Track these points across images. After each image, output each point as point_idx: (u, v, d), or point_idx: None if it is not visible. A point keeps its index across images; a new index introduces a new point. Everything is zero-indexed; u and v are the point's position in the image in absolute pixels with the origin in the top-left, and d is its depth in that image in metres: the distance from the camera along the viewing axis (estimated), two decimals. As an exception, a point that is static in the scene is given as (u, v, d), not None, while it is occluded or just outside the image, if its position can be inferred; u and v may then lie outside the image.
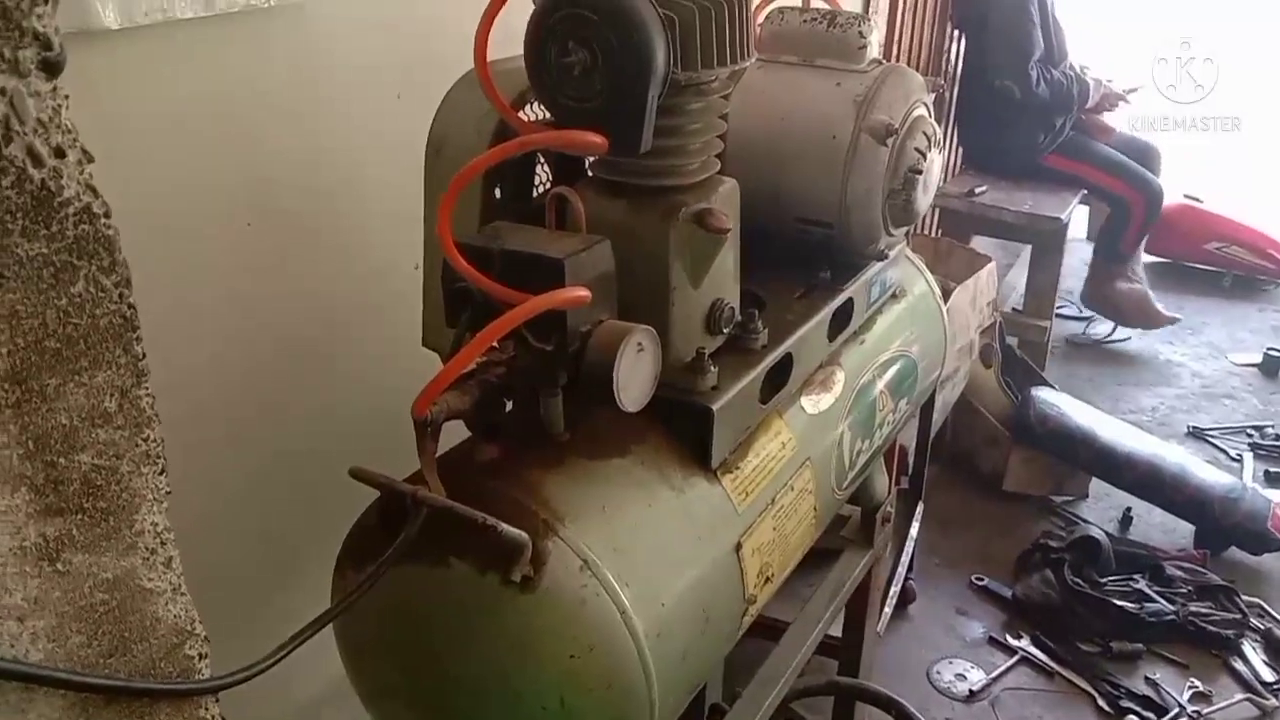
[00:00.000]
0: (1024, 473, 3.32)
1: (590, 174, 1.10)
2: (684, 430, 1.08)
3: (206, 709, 0.66)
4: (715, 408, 1.06)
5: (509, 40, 0.97)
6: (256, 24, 1.18)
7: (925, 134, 1.29)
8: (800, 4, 1.43)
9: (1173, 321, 4.15)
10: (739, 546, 1.08)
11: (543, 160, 1.20)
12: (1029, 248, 3.89)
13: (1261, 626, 2.82)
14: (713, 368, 1.08)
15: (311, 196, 1.32)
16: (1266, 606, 2.90)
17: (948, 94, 4.12)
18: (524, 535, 0.88)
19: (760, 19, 1.37)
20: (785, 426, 1.22)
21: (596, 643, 0.91)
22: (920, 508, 2.82)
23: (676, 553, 1.01)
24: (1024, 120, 3.70)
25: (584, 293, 0.87)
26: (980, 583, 2.99)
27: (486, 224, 1.07)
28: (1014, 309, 4.03)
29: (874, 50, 1.30)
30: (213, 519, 1.25)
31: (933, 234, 3.94)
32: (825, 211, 1.28)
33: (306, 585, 1.10)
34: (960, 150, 4.23)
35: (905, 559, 2.74)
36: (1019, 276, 4.07)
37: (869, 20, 1.27)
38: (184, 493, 0.62)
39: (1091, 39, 5.57)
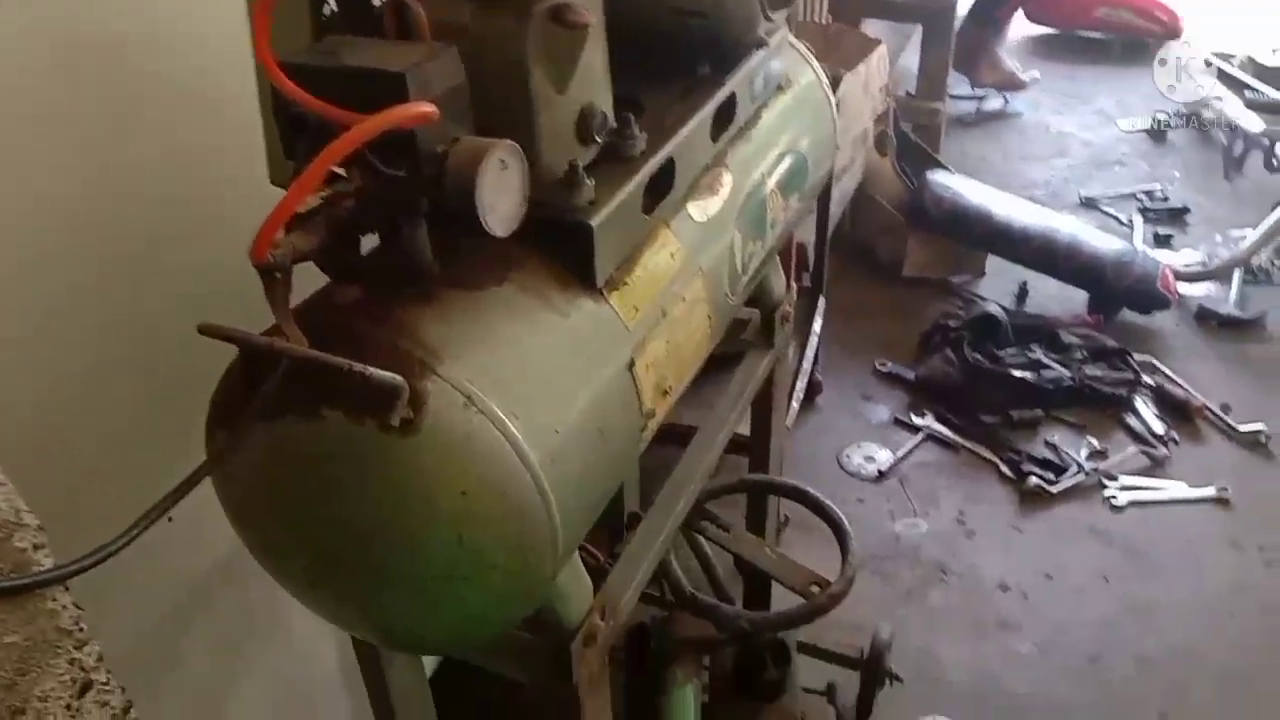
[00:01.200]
0: (922, 257, 3.36)
1: (432, -26, 0.98)
2: (564, 250, 1.01)
3: (55, 600, 0.61)
4: (594, 223, 1.00)
5: None
6: None
7: (798, -97, 1.19)
8: None
9: (1022, 85, 4.18)
10: (632, 364, 1.05)
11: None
12: (919, 28, 3.80)
13: (1153, 383, 2.96)
14: (588, 181, 1.01)
15: (137, 38, 1.18)
16: (1157, 363, 3.03)
17: None
18: (397, 378, 0.82)
19: None
20: (672, 236, 1.17)
21: (487, 476, 0.87)
22: (822, 302, 2.84)
23: (566, 377, 0.97)
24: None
25: (429, 108, 0.79)
26: (884, 368, 3.06)
27: (321, 37, 0.97)
28: (907, 92, 3.97)
29: None
30: (65, 390, 1.17)
31: (821, 19, 3.80)
32: (697, -1, 1.19)
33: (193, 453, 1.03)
34: (846, -74, 4.04)
35: (810, 354, 2.78)
36: (911, 59, 3.99)
37: None
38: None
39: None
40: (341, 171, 0.88)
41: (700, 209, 1.23)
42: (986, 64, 4.09)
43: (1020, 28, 4.56)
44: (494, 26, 0.94)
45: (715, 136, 1.27)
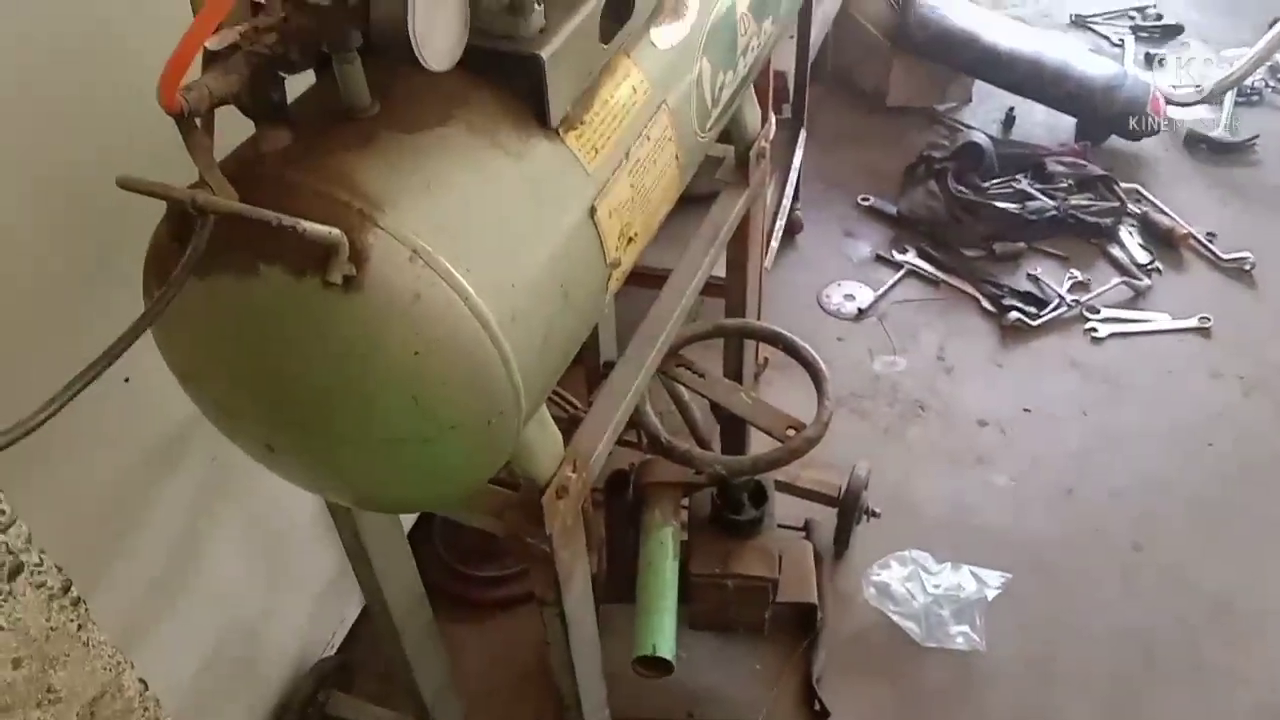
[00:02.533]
0: (908, 83, 3.24)
1: None
2: (514, 86, 0.93)
3: (-29, 484, 0.56)
4: (545, 54, 0.91)
5: None
6: None
7: None
8: None
9: None
10: (593, 210, 0.98)
11: None
12: None
13: (1138, 210, 2.90)
14: (538, 6, 0.92)
15: None
16: (1143, 191, 2.97)
17: None
18: (334, 231, 0.76)
19: None
20: (634, 67, 1.08)
21: (440, 336, 0.82)
22: (803, 135, 2.74)
23: (521, 226, 0.91)
24: None
25: (348, -75, 0.70)
26: (866, 203, 2.99)
27: None
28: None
29: None
30: None
31: None
32: None
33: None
34: None
35: (790, 189, 2.70)
36: None
37: None
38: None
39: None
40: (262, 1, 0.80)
41: (664, 35, 1.14)
42: None
43: None
44: None
45: (680, -46, 1.16)
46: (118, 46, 1.16)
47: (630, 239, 1.07)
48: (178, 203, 0.74)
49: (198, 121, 0.74)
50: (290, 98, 0.87)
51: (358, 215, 0.80)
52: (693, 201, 1.40)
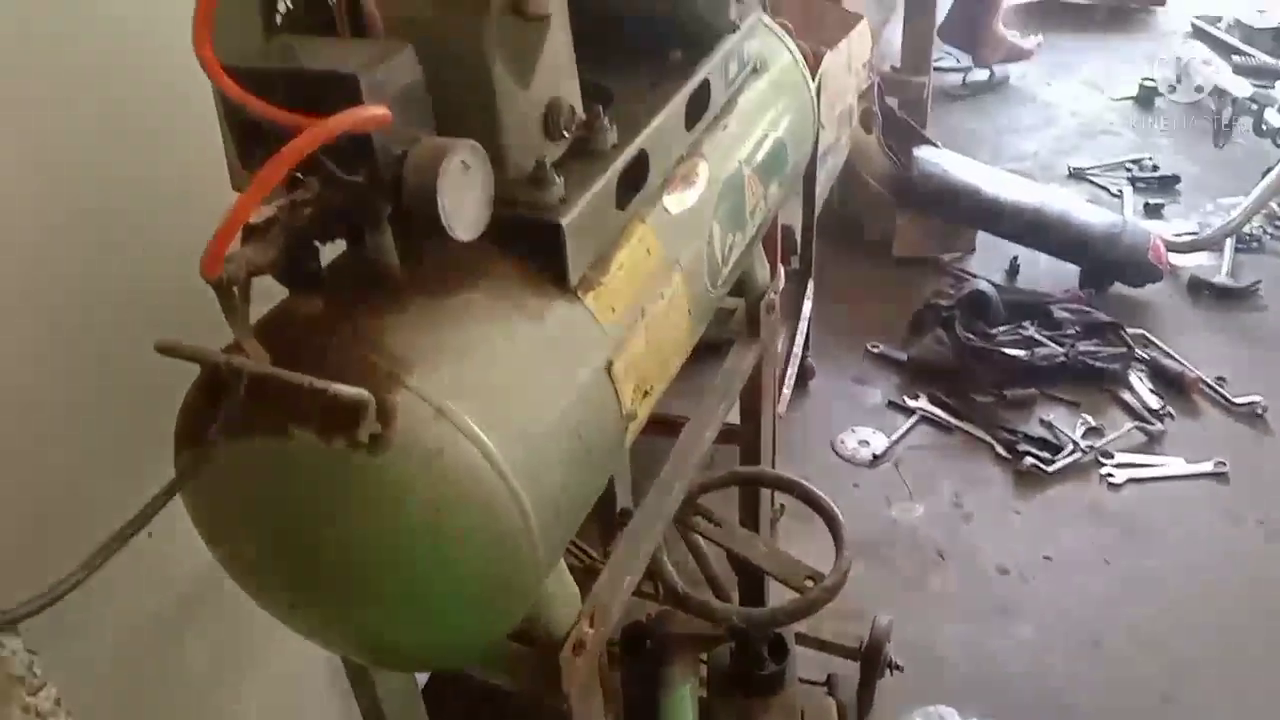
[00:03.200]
0: (912, 235, 3.33)
1: (386, -32, 0.95)
2: (535, 251, 0.98)
3: (4, 645, 0.57)
4: (565, 222, 0.96)
5: None
6: None
7: (767, -118, 1.15)
8: None
9: (1028, 54, 4.13)
10: (610, 366, 1.01)
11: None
12: (901, 2, 3.76)
13: (1146, 356, 2.93)
14: (557, 178, 0.97)
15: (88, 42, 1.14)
16: (1150, 336, 3.01)
17: None
18: (362, 393, 0.79)
19: None
20: (648, 231, 1.13)
21: (461, 492, 0.84)
22: (811, 285, 2.81)
23: (541, 385, 0.94)
24: None
25: (382, 112, 0.76)
26: (876, 350, 3.03)
27: (273, 38, 0.93)
28: (892, 67, 3.93)
29: None
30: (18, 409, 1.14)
31: (803, -3, 3.76)
32: (666, -20, 1.15)
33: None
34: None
35: (800, 338, 2.75)
36: (895, 32, 3.95)
37: None
38: None
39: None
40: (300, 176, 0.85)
41: (676, 201, 1.19)
42: (989, 42, 4.04)
43: (1004, -2, 4.51)
44: (452, 20, 0.90)
45: (690, 125, 1.23)
46: (143, 209, 1.23)
47: (646, 392, 1.09)
48: (214, 367, 0.78)
49: (235, 290, 0.78)
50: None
51: (385, 376, 0.83)
52: (706, 348, 1.44)
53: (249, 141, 0.84)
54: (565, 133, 1.01)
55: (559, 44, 0.99)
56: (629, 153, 1.08)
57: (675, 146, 1.21)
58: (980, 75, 4.19)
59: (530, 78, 0.95)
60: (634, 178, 1.10)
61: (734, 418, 1.72)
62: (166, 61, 1.17)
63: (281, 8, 0.98)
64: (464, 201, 0.84)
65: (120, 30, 1.21)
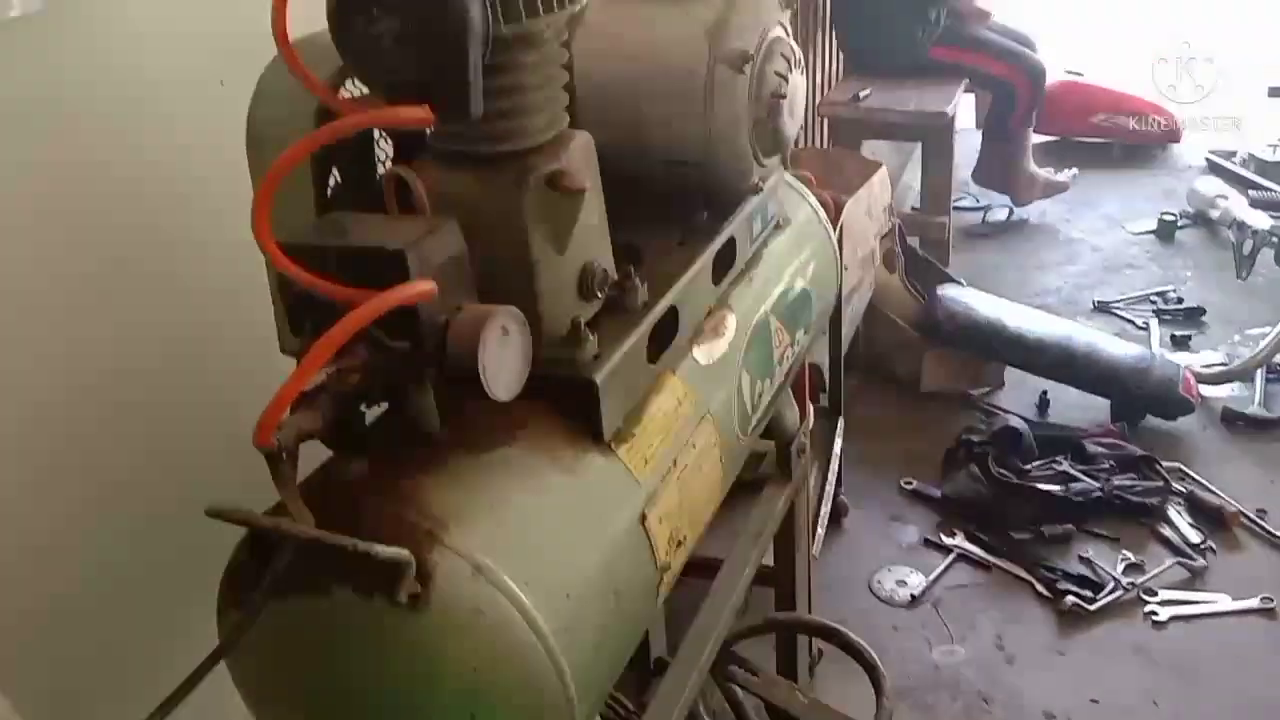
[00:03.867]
0: (940, 371, 3.35)
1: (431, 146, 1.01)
2: (570, 406, 1.02)
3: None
4: (599, 379, 1.00)
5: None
6: (38, 30, 1.06)
7: (784, 56, 1.23)
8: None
9: (1064, 187, 4.22)
10: (644, 518, 1.03)
11: (382, 135, 1.11)
12: (919, 145, 3.88)
13: (1184, 490, 2.89)
14: (591, 336, 1.02)
15: (137, 210, 1.21)
16: (1186, 469, 2.97)
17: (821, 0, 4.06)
18: (403, 553, 0.81)
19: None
20: (679, 382, 1.17)
21: (500, 651, 0.85)
22: (841, 423, 2.82)
23: (577, 539, 0.96)
24: (900, 17, 3.67)
25: (428, 286, 0.80)
26: (909, 486, 3.02)
27: (324, 214, 0.99)
28: (913, 208, 4.03)
29: (721, -28, 1.22)
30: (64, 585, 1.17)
31: (823, 144, 3.90)
32: (692, 150, 1.22)
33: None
34: (840, 55, 4.18)
35: (832, 476, 2.74)
36: (915, 174, 4.06)
37: (711, -58, 1.19)
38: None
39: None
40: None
41: (705, 353, 1.23)
42: (1024, 182, 4.13)
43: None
44: (493, 195, 0.96)
45: (717, 280, 1.28)
46: (192, 369, 1.28)
47: (679, 543, 1.11)
48: (263, 531, 0.81)
49: (284, 455, 0.81)
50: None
51: (425, 534, 0.86)
52: (738, 485, 1.45)
53: (300, 311, 0.89)
54: (599, 293, 1.06)
55: (593, 212, 1.04)
56: (659, 309, 1.13)
57: (703, 300, 1.25)
58: (1000, 214, 4.28)
59: (566, 245, 1.01)
60: (665, 332, 1.14)
61: (768, 558, 1.72)
62: (216, 236, 1.25)
63: (332, 182, 1.05)
64: (503, 365, 0.88)
65: (172, 203, 1.29)
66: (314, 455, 0.90)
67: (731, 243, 1.31)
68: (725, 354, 1.26)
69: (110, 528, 1.22)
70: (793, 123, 1.28)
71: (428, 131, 1.02)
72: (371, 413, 0.96)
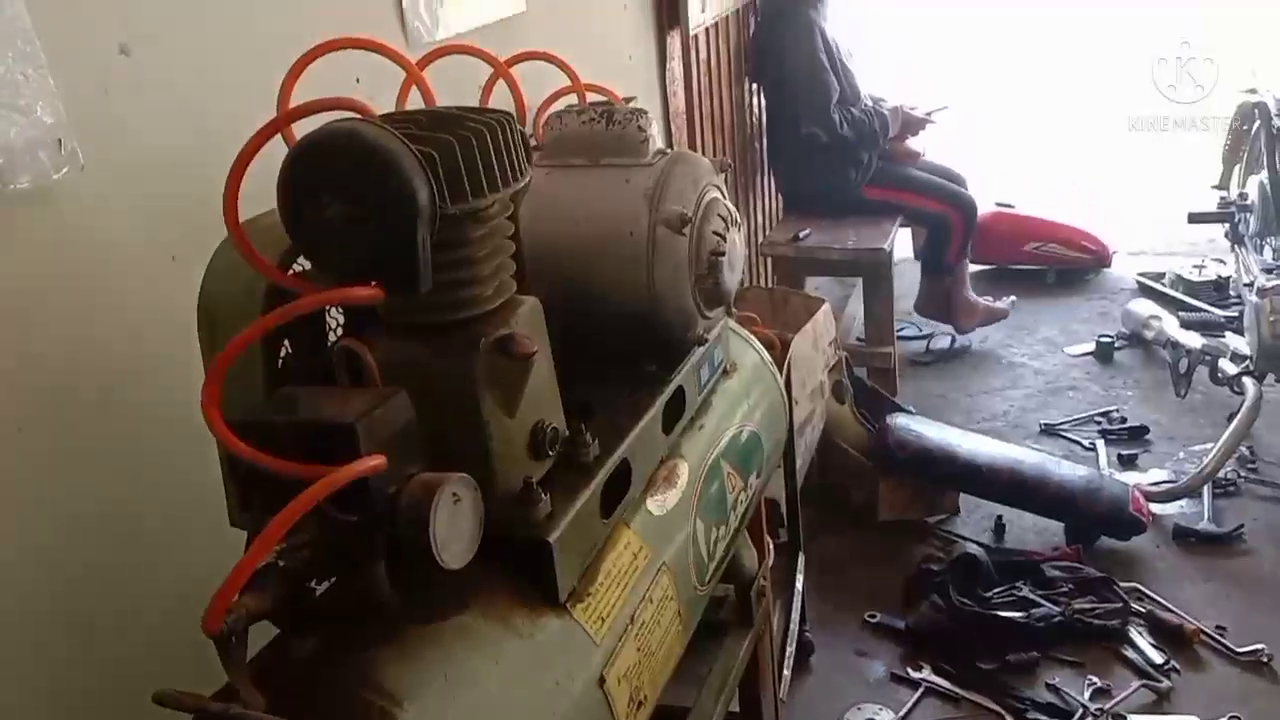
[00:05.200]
0: (895, 500, 3.37)
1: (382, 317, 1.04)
2: (524, 567, 1.02)
3: None
4: (552, 539, 1.01)
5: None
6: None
7: (721, 216, 1.28)
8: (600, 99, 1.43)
9: (1004, 314, 4.35)
10: (602, 680, 1.03)
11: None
12: (860, 280, 4.00)
13: (1143, 609, 2.90)
14: (544, 495, 1.03)
15: (89, 389, 1.21)
16: (1144, 589, 2.99)
17: (758, 144, 4.23)
18: (356, 733, 0.80)
19: (542, 124, 1.35)
20: (634, 535, 1.17)
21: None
22: (801, 558, 2.82)
23: (533, 706, 0.95)
24: (834, 161, 3.83)
25: (377, 461, 0.81)
26: (873, 620, 3.00)
27: (275, 389, 1.00)
28: (858, 339, 4.13)
29: (657, 141, 1.29)
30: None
31: (768, 283, 4.01)
32: (637, 308, 1.26)
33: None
34: (780, 196, 4.34)
35: (796, 614, 2.72)
36: (859, 306, 4.17)
37: (645, 113, 1.26)
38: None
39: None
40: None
41: (659, 504, 1.24)
42: (962, 310, 4.26)
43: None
44: (443, 363, 0.98)
45: (667, 430, 1.30)
46: (137, 545, 1.26)
47: (640, 704, 1.09)
48: (212, 715, 0.79)
49: (234, 639, 0.80)
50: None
51: (380, 713, 0.84)
52: (704, 627, 1.43)
53: (250, 488, 0.89)
54: (550, 452, 1.07)
55: (543, 373, 1.07)
56: (611, 463, 1.14)
57: (655, 451, 1.27)
58: (943, 342, 4.39)
59: (517, 407, 1.02)
60: (617, 486, 1.16)
61: (735, 704, 1.69)
62: (168, 411, 1.25)
63: (282, 353, 1.07)
64: (455, 533, 0.88)
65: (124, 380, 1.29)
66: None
67: (680, 392, 1.34)
68: (679, 503, 1.27)
69: (57, 706, 1.18)
70: (732, 276, 1.32)
71: (378, 302, 1.04)
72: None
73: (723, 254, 1.28)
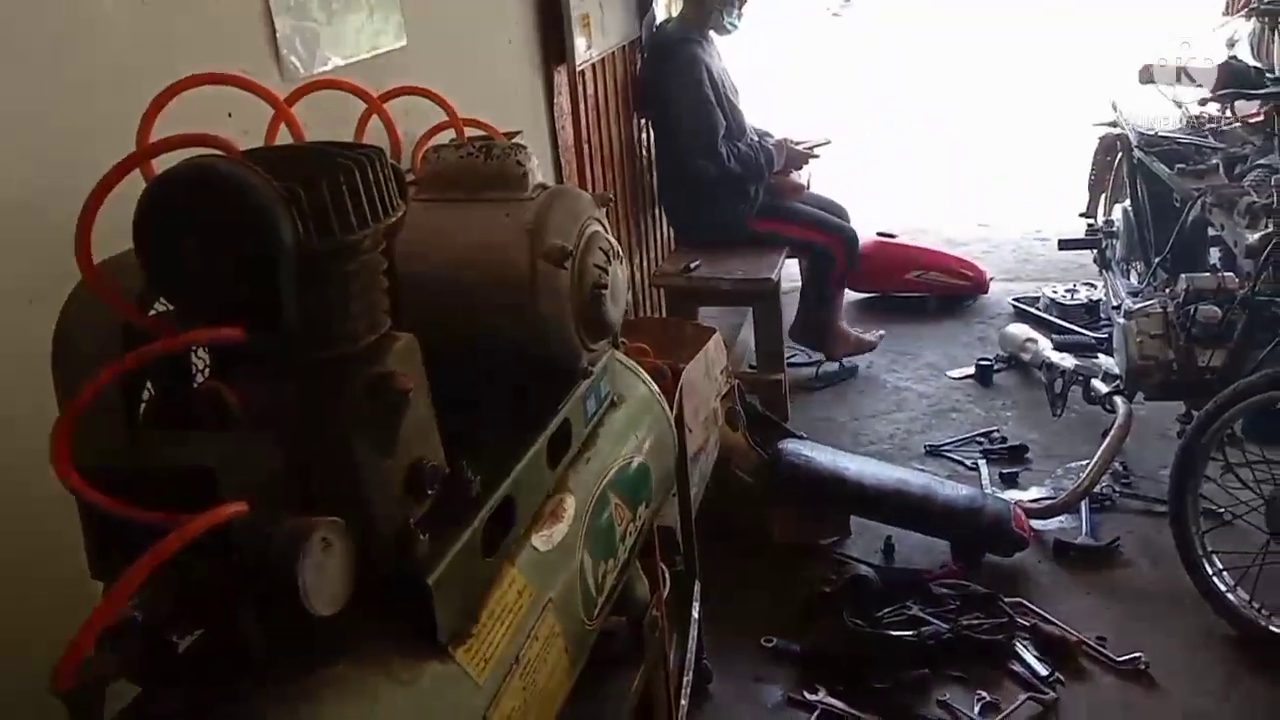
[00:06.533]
0: (788, 524, 3.41)
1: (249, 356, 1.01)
2: (403, 611, 0.99)
3: None
4: (431, 580, 0.98)
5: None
6: None
7: (602, 249, 1.29)
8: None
9: (873, 346, 4.48)
10: (486, 723, 1.00)
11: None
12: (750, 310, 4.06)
13: (1027, 624, 2.99)
14: (423, 536, 1.00)
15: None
16: (1028, 604, 3.08)
17: (649, 177, 4.28)
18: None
19: (420, 158, 1.34)
20: (518, 573, 1.16)
21: None
22: (697, 586, 2.82)
23: (415, 754, 0.92)
24: (722, 194, 3.90)
25: (237, 507, 0.78)
26: (770, 644, 3.02)
27: (134, 433, 0.96)
28: (750, 366, 4.18)
29: (537, 175, 1.29)
30: None
31: (661, 313, 4.04)
32: (520, 342, 1.25)
33: None
34: (671, 229, 4.39)
35: (693, 643, 2.72)
36: (751, 334, 4.23)
37: (525, 148, 1.26)
38: None
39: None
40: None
41: (545, 539, 1.23)
42: (835, 338, 4.37)
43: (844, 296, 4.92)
44: (313, 403, 0.95)
45: (553, 464, 1.29)
46: None
47: (527, 745, 1.08)
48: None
49: (85, 701, 0.76)
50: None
51: (249, 772, 0.81)
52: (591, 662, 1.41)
53: (106, 538, 0.85)
54: (430, 490, 1.05)
55: (420, 410, 1.05)
56: (494, 499, 1.13)
57: (540, 485, 1.26)
58: (831, 367, 4.48)
59: (393, 446, 1.00)
60: (501, 521, 1.14)
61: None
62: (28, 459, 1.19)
63: (144, 396, 1.03)
64: (326, 579, 0.86)
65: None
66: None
67: (566, 425, 1.33)
68: (565, 538, 1.26)
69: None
70: (616, 309, 1.33)
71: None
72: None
73: (605, 287, 1.28)
